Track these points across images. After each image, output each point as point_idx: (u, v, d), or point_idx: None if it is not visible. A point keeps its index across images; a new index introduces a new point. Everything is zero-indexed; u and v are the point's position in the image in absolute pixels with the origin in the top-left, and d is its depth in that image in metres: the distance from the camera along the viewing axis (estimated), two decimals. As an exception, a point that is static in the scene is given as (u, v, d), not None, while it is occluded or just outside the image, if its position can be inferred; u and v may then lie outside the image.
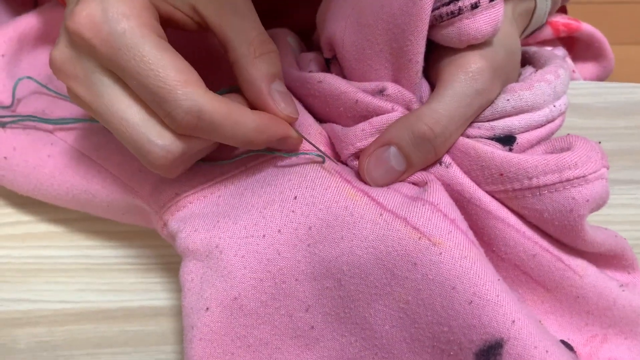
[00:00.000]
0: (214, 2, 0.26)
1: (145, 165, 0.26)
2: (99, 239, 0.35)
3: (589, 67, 0.48)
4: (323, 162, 0.28)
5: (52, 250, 0.34)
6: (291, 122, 0.28)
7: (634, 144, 0.40)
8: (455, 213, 0.26)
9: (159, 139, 0.25)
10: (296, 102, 0.31)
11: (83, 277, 0.34)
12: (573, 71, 0.45)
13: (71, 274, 0.34)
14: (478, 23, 0.27)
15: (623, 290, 0.30)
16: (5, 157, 0.33)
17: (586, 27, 0.45)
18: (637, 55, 1.14)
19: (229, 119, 0.25)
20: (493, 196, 0.28)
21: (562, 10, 0.53)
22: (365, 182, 0.28)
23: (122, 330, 0.32)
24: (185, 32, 0.29)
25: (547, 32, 0.44)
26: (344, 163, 0.30)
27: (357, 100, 0.29)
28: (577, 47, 0.47)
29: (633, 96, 0.42)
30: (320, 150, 0.28)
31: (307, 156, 0.28)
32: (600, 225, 0.30)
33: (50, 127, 0.34)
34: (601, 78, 0.48)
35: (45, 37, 0.39)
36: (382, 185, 0.28)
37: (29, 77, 0.36)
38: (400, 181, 0.29)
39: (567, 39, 0.47)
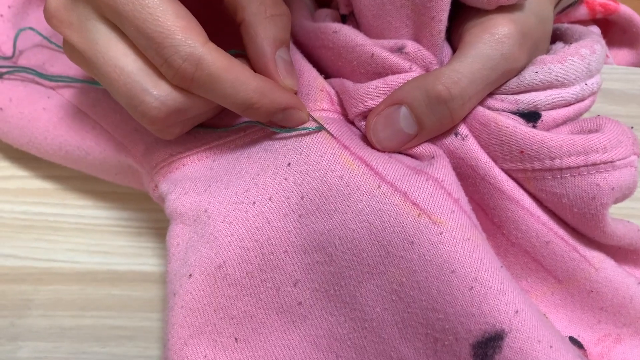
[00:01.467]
0: None
1: (138, 118, 0.24)
2: (92, 199, 0.34)
3: (624, 54, 0.45)
4: (321, 129, 0.26)
5: (44, 207, 0.33)
6: None
7: (667, 136, 0.37)
8: (459, 193, 0.24)
9: (154, 89, 0.24)
10: (302, 56, 0.29)
11: (73, 236, 0.32)
12: (607, 56, 0.42)
13: (61, 232, 0.33)
14: None
15: (642, 288, 0.28)
16: (0, 108, 0.32)
17: (625, 10, 0.42)
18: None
19: (229, 73, 0.23)
20: (510, 175, 0.26)
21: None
22: (372, 144, 0.26)
23: (109, 294, 0.31)
24: None
25: (583, 12, 0.41)
26: (351, 122, 0.28)
27: (373, 54, 0.26)
28: (612, 31, 0.44)
29: (670, 84, 0.39)
30: (318, 123, 0.26)
31: (308, 129, 0.26)
32: (623, 219, 0.28)
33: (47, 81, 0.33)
34: (636, 66, 0.45)
35: None
36: (389, 149, 0.26)
37: (31, 28, 0.35)
38: (410, 148, 0.26)
39: (602, 23, 0.44)
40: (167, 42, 0.22)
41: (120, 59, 0.24)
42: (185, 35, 0.22)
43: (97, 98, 0.31)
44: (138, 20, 0.22)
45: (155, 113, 0.24)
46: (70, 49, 0.25)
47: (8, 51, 0.35)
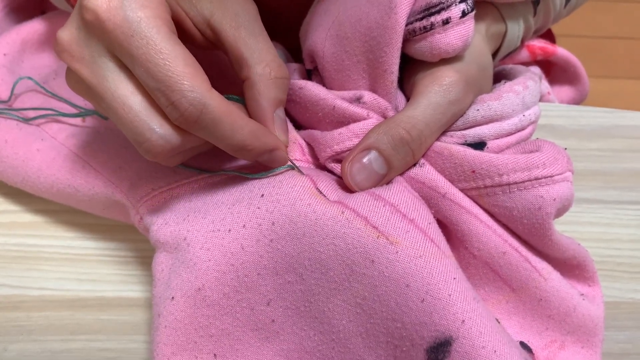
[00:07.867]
0: (230, 20, 0.27)
1: (142, 152, 0.26)
2: (81, 231, 0.36)
3: (566, 90, 0.50)
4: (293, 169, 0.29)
5: (35, 239, 0.36)
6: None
7: (603, 166, 0.42)
8: (415, 213, 0.27)
9: (159, 128, 0.25)
10: None
11: (63, 266, 0.35)
12: (548, 93, 0.47)
13: (52, 262, 0.35)
14: (449, 38, 0.29)
15: (583, 299, 0.31)
16: (-4, 149, 0.35)
17: (561, 52, 0.47)
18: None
19: (229, 117, 0.25)
20: (465, 194, 0.29)
21: (550, 38, 0.56)
22: (349, 187, 0.29)
23: (97, 319, 0.33)
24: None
25: (524, 55, 0.46)
26: (323, 166, 0.31)
27: (334, 106, 0.30)
28: (554, 70, 0.49)
29: (604, 120, 0.44)
30: (292, 162, 0.29)
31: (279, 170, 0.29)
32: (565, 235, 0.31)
33: (37, 122, 0.35)
34: (577, 101, 0.50)
35: (47, 42, 0.41)
36: (366, 189, 0.28)
37: (29, 78, 0.38)
38: (382, 185, 0.29)
39: (544, 63, 0.49)
40: (176, 87, 0.24)
41: (129, 97, 0.25)
42: (192, 82, 0.24)
43: (86, 140, 0.34)
44: (150, 63, 0.24)
45: (159, 150, 0.26)
46: (75, 81, 0.26)
47: (2, 94, 0.38)
